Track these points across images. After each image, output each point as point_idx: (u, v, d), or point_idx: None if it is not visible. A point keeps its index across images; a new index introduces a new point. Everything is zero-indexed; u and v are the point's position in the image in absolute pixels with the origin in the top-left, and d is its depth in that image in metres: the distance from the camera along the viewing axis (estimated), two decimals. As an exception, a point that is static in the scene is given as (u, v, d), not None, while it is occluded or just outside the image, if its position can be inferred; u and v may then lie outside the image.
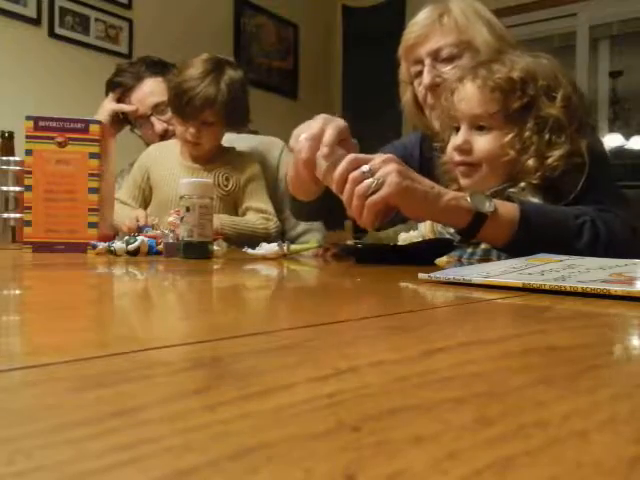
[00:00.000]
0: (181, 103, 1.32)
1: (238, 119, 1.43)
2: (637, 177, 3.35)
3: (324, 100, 4.03)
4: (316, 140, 0.76)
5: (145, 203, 1.48)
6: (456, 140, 0.84)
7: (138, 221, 1.29)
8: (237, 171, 1.43)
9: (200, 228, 0.84)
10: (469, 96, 0.83)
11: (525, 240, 0.69)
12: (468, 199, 0.70)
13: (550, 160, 0.77)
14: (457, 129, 0.85)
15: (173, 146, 1.49)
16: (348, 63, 4.07)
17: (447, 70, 0.97)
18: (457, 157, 0.84)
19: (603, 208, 0.77)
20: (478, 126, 0.82)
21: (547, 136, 0.78)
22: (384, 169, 0.69)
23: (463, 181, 0.85)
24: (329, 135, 0.76)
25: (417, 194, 0.69)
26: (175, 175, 1.42)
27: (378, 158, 0.70)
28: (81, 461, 0.11)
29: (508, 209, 0.72)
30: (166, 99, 1.54)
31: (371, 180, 0.69)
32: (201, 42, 3.04)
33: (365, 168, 0.69)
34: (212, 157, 1.43)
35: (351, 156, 0.71)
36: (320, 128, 0.77)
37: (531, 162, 0.78)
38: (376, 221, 0.70)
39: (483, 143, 0.82)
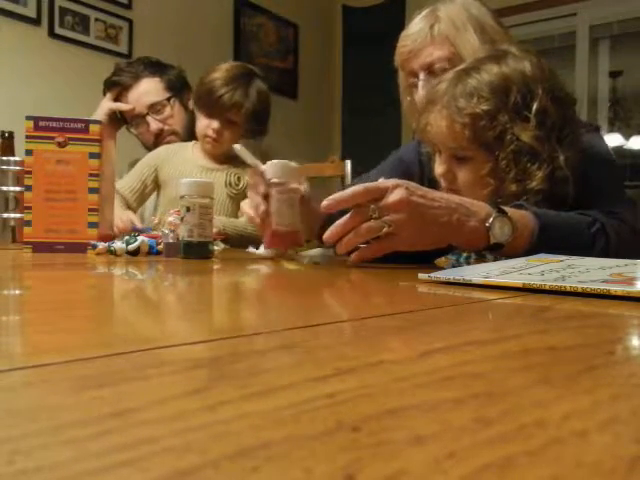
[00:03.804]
0: (211, 99, 1.37)
1: (258, 128, 1.47)
2: (637, 177, 3.35)
3: (324, 100, 4.03)
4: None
5: (142, 199, 1.50)
6: (439, 169, 0.83)
7: (133, 224, 1.31)
8: (247, 172, 1.46)
9: (200, 228, 0.84)
10: (440, 132, 0.80)
11: (538, 251, 0.67)
12: (488, 225, 0.67)
13: (533, 184, 0.75)
14: (440, 151, 0.84)
15: (184, 148, 1.51)
16: (348, 63, 4.08)
17: None
18: (443, 183, 0.83)
19: (610, 212, 0.76)
20: (457, 156, 0.81)
21: (524, 161, 0.76)
22: (395, 216, 0.65)
23: None
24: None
25: (431, 238, 0.67)
26: (187, 174, 1.44)
27: (391, 196, 0.65)
28: (81, 461, 0.11)
29: (526, 226, 0.69)
30: (162, 99, 1.56)
31: (380, 223, 0.65)
32: (201, 42, 3.04)
33: (373, 209, 0.66)
34: (226, 157, 1.46)
35: (362, 187, 0.66)
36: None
37: (513, 187, 0.76)
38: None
39: (464, 174, 0.80)
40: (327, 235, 0.69)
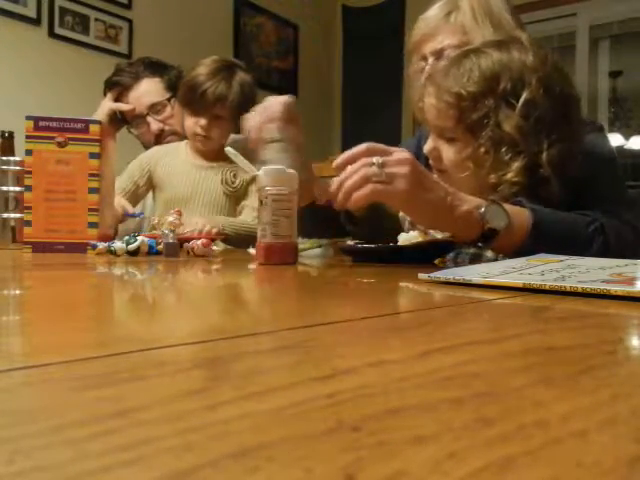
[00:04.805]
0: (194, 96, 1.36)
1: None
2: (637, 177, 3.36)
3: (324, 100, 4.03)
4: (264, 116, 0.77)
5: (135, 200, 1.50)
6: (427, 145, 0.84)
7: (125, 209, 1.31)
8: (243, 170, 1.45)
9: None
10: (429, 109, 0.81)
11: (533, 250, 0.67)
12: (482, 211, 0.68)
13: (509, 175, 0.74)
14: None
15: (177, 148, 1.51)
16: (348, 63, 4.08)
17: None
18: (431, 162, 0.84)
19: (613, 213, 0.76)
20: (443, 135, 0.81)
21: (503, 151, 0.75)
22: (396, 169, 0.66)
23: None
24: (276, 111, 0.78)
25: (424, 206, 0.67)
26: (182, 174, 1.44)
27: (396, 154, 0.67)
28: (81, 461, 0.11)
29: (520, 220, 0.69)
30: (163, 99, 1.56)
31: (380, 170, 0.66)
32: (201, 42, 3.04)
33: (378, 160, 0.66)
34: (220, 155, 1.44)
35: (371, 144, 0.68)
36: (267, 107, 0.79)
37: (492, 177, 0.76)
38: (360, 205, 0.68)
39: (448, 154, 0.81)
40: (332, 188, 0.70)
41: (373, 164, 0.66)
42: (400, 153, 0.68)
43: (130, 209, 1.35)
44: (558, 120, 0.76)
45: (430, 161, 0.84)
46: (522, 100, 0.74)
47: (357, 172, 0.66)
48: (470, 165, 0.78)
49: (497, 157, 0.75)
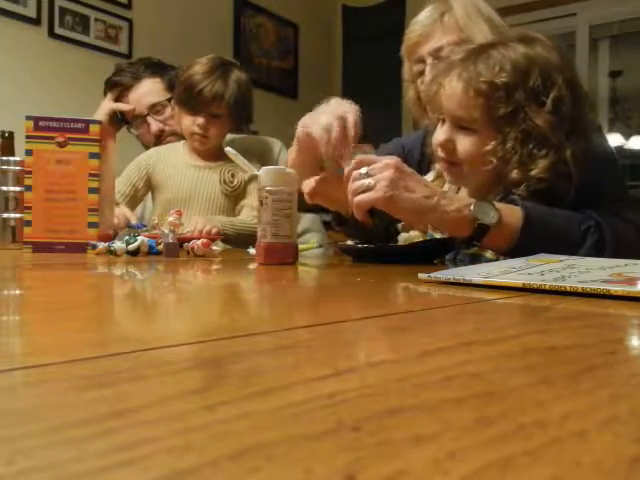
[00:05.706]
0: (191, 95, 1.36)
1: (243, 117, 1.46)
2: (637, 177, 3.35)
3: (324, 100, 4.03)
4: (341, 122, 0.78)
5: (134, 202, 1.50)
6: (439, 136, 0.81)
7: (127, 220, 1.31)
8: (241, 169, 1.45)
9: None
10: (452, 96, 0.78)
11: (526, 247, 0.66)
12: (472, 208, 0.69)
13: (535, 172, 0.74)
14: (443, 120, 0.82)
15: (175, 148, 1.51)
16: (348, 63, 4.07)
17: None
18: (440, 153, 0.82)
19: (611, 211, 0.76)
20: (462, 125, 0.79)
21: (531, 146, 0.74)
22: (379, 174, 0.70)
23: (447, 176, 0.85)
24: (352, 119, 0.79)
25: (406, 204, 0.69)
26: (181, 174, 1.44)
27: (380, 162, 0.71)
28: (81, 461, 0.11)
29: (512, 216, 0.70)
30: (163, 99, 1.56)
31: (365, 181, 0.70)
32: (201, 42, 3.04)
33: (364, 170, 0.71)
34: (217, 155, 1.44)
35: (360, 157, 0.73)
36: (341, 112, 0.80)
37: (515, 174, 0.75)
38: (364, 217, 0.73)
39: (466, 145, 0.79)
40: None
41: (361, 174, 0.71)
42: (385, 159, 0.71)
43: (133, 220, 1.35)
44: (576, 119, 0.77)
45: (439, 153, 0.82)
46: (551, 97, 0.75)
47: (349, 190, 0.72)
48: (493, 159, 0.77)
49: (524, 152, 0.75)
